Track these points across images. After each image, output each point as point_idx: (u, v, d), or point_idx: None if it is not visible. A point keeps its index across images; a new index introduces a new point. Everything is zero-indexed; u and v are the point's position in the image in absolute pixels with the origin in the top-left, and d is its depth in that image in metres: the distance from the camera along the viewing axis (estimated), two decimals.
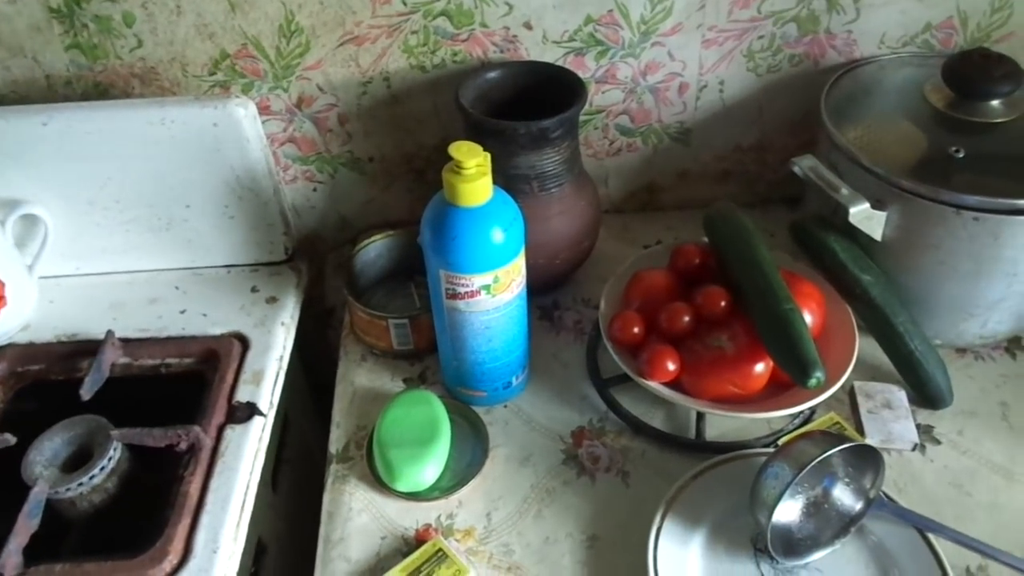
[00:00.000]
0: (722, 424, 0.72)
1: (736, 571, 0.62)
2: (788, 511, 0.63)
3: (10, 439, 0.69)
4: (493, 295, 0.66)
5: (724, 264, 0.73)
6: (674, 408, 0.74)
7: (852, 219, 0.69)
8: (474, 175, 0.61)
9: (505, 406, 0.75)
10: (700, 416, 0.71)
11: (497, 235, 0.63)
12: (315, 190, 0.92)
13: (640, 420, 0.72)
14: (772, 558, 0.61)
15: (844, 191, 0.69)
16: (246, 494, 0.67)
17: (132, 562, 0.60)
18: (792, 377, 0.63)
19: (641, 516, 0.65)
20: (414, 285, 0.87)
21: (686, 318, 0.70)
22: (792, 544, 0.62)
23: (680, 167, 0.93)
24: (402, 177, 0.91)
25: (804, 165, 0.73)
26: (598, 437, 0.72)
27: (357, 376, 0.79)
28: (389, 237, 0.86)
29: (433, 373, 0.79)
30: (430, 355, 0.79)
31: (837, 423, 0.71)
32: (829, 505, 0.64)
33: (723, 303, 0.69)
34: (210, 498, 0.65)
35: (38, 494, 0.64)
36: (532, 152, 0.73)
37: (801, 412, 0.72)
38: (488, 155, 0.61)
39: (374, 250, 0.86)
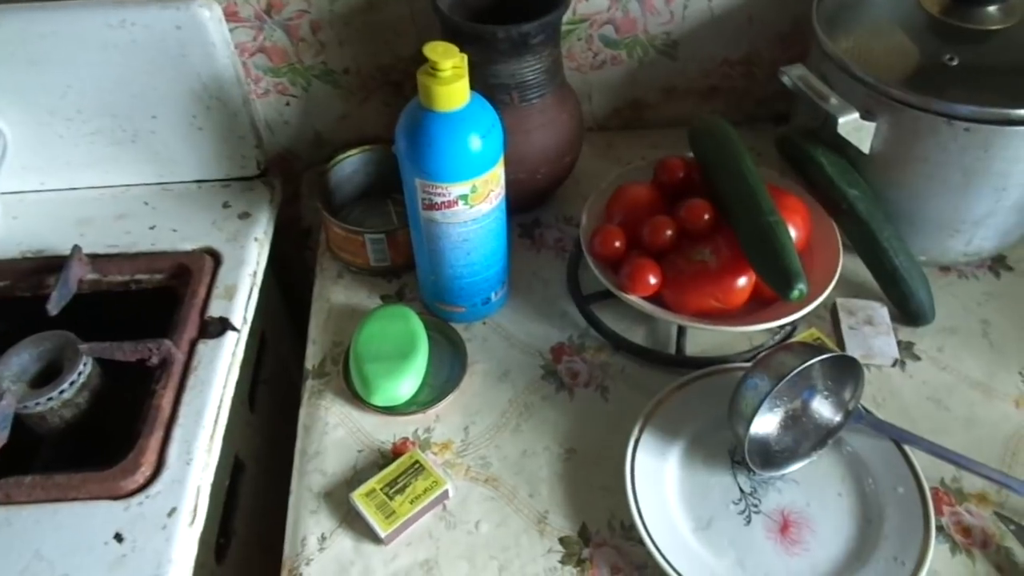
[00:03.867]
0: (703, 340, 0.71)
1: (713, 482, 0.62)
2: (766, 423, 0.63)
3: None
4: (471, 205, 0.64)
5: (709, 177, 0.71)
6: (655, 324, 0.73)
7: (840, 130, 0.67)
8: (450, 77, 0.58)
9: (484, 322, 0.74)
10: (681, 331, 0.71)
11: (475, 142, 0.61)
12: (288, 104, 0.88)
13: (620, 336, 0.71)
14: (749, 469, 0.61)
15: (833, 100, 0.67)
16: (220, 408, 0.66)
17: (104, 473, 0.60)
18: (774, 289, 0.62)
19: (619, 430, 0.64)
20: (391, 202, 0.85)
21: (669, 232, 0.68)
22: (770, 456, 0.62)
23: (666, 82, 0.90)
24: (378, 91, 0.88)
25: (793, 74, 0.70)
26: (578, 353, 0.72)
27: (333, 293, 0.78)
28: (365, 152, 0.84)
29: (411, 290, 0.77)
30: (408, 272, 0.77)
31: (818, 339, 0.70)
32: (807, 418, 0.64)
33: (706, 216, 0.68)
34: (183, 411, 0.65)
35: (5, 407, 0.62)
36: (512, 60, 0.70)
37: (783, 328, 0.71)
38: (465, 56, 0.59)
39: (350, 166, 0.83)
